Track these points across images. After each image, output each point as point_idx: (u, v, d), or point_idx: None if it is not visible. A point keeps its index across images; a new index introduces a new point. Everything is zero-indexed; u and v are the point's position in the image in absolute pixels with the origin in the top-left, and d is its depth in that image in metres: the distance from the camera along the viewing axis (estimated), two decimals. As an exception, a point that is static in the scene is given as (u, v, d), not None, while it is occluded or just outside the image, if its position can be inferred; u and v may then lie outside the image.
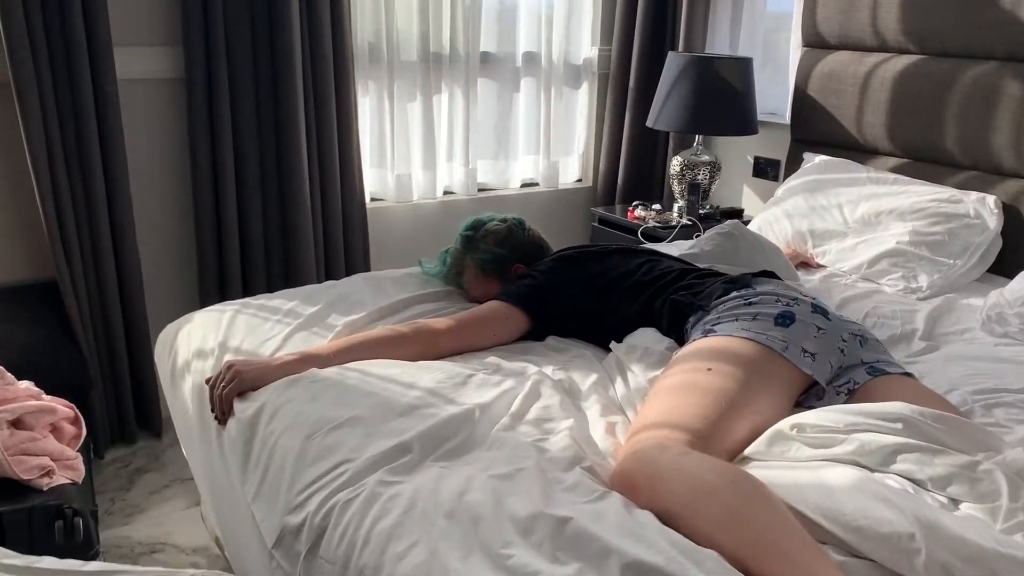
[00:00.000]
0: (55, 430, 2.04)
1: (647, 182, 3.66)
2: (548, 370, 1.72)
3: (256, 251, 2.87)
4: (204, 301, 2.85)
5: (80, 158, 2.51)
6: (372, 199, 3.23)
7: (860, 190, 2.67)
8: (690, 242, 2.40)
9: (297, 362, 1.69)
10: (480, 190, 3.47)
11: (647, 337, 1.77)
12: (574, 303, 1.91)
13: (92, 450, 2.61)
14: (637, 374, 1.67)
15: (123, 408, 2.75)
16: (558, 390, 1.63)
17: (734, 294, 1.70)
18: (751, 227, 2.88)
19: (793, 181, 2.87)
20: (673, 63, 3.09)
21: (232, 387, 1.64)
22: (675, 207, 3.27)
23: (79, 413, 2.09)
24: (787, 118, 3.25)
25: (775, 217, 2.80)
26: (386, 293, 2.12)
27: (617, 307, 1.88)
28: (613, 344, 1.83)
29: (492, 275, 2.09)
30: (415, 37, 3.14)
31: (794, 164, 3.10)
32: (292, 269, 2.93)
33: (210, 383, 1.69)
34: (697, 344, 1.59)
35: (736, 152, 3.45)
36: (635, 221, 3.19)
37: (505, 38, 3.40)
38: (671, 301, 1.77)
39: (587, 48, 3.61)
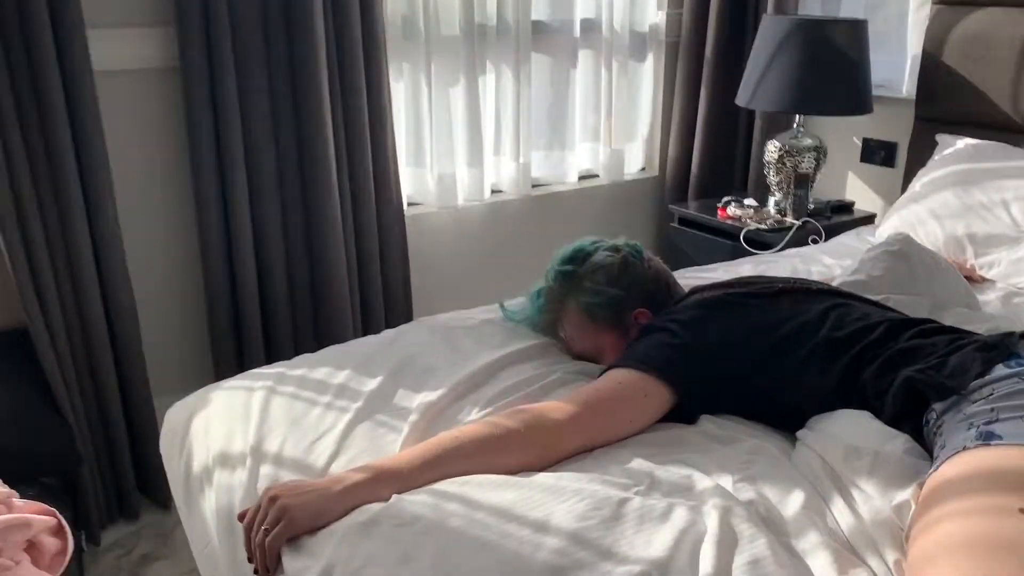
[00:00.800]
0: (31, 547, 1.52)
1: (727, 171, 3.11)
2: (727, 482, 1.20)
3: (277, 266, 2.33)
4: (215, 336, 2.32)
5: (51, 171, 1.96)
6: (409, 203, 2.69)
7: (1031, 182, 2.13)
8: (847, 264, 1.85)
9: (368, 483, 1.17)
10: (533, 186, 2.92)
11: (864, 429, 1.24)
12: (735, 369, 1.39)
13: (84, 539, 2.09)
14: (871, 495, 1.15)
15: (122, 479, 2.22)
16: (758, 524, 1.10)
17: (1005, 372, 1.17)
18: (884, 230, 2.34)
19: (936, 172, 2.33)
20: (771, 28, 2.53)
21: (280, 532, 1.11)
22: (771, 202, 2.73)
23: (63, 521, 1.57)
24: (903, 91, 2.70)
25: (918, 218, 2.26)
26: (462, 351, 1.59)
27: (801, 376, 1.35)
28: (806, 436, 1.30)
29: (604, 324, 1.57)
30: (456, 5, 2.58)
31: (921, 148, 2.56)
32: (321, 291, 2.39)
33: (245, 521, 1.16)
34: (982, 459, 1.06)
35: (838, 133, 2.91)
36: (729, 222, 2.65)
37: (560, 3, 2.84)
38: (906, 379, 1.24)
39: (654, 12, 3.05)
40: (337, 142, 2.34)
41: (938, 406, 1.20)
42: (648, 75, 3.12)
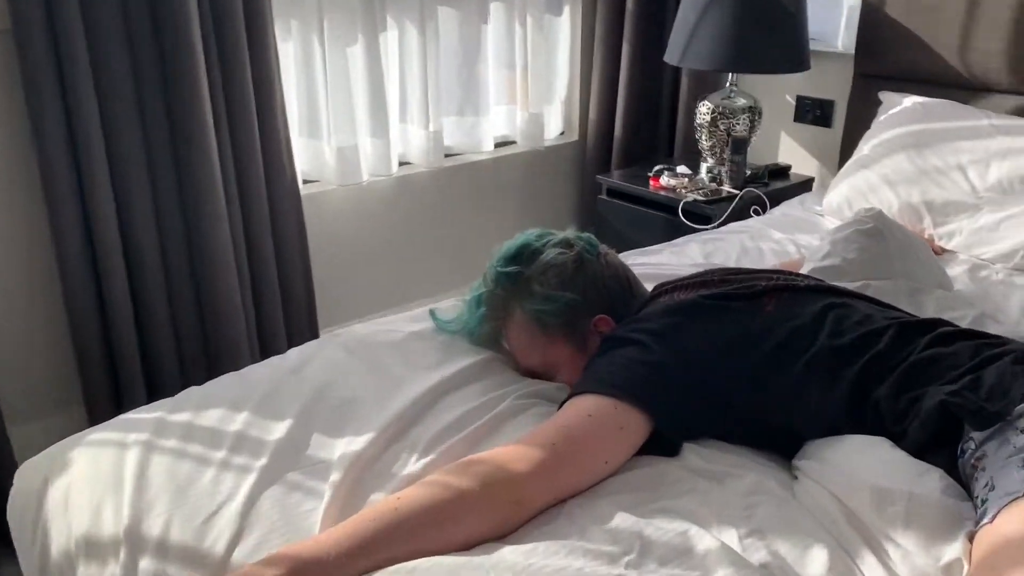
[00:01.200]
0: None
1: (652, 135, 2.89)
2: (732, 538, 0.98)
3: (151, 269, 1.98)
4: (82, 355, 1.96)
5: None
6: (305, 181, 2.36)
7: (987, 144, 1.99)
8: (804, 241, 1.64)
9: (283, 584, 0.90)
10: (446, 156, 2.63)
11: (888, 463, 1.03)
12: (719, 387, 1.16)
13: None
14: (910, 551, 0.94)
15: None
16: (783, 600, 0.89)
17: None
18: (832, 198, 2.17)
19: (885, 133, 2.16)
20: (702, -23, 2.30)
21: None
22: (703, 168, 2.52)
23: None
24: (839, 45, 2.53)
25: (870, 184, 2.10)
26: (389, 376, 1.31)
27: (798, 393, 1.14)
28: (810, 468, 1.09)
29: (558, 334, 1.32)
30: (350, -48, 2.24)
31: (861, 107, 2.39)
32: (206, 295, 2.05)
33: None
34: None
35: (769, 91, 2.72)
36: (663, 193, 2.43)
37: (467, -50, 2.53)
38: (940, 403, 1.03)
39: (569, -40, 2.77)
40: (216, 114, 1.99)
41: (977, 435, 1.00)
42: (565, 30, 2.85)
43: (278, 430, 1.18)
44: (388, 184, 2.50)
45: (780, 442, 1.19)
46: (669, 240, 2.06)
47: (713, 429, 1.19)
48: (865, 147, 2.18)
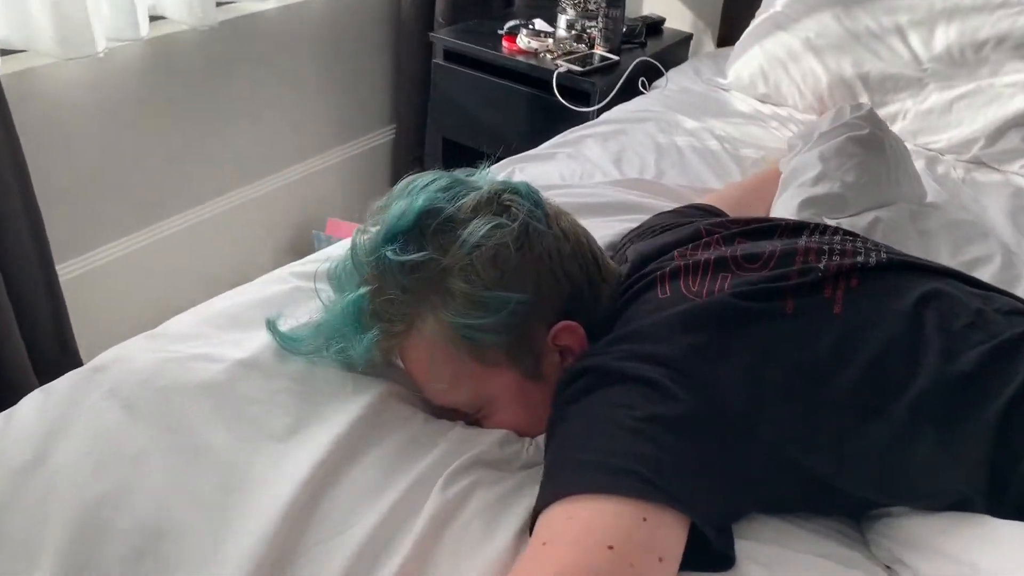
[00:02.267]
0: None
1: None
2: None
3: None
4: None
5: None
6: (4, 52, 1.57)
7: (930, 1, 1.61)
8: (801, 161, 1.18)
9: None
10: (218, 4, 1.87)
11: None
12: (773, 452, 0.72)
13: None
14: None
15: None
16: None
17: None
18: (742, 68, 1.73)
19: (804, -15, 1.72)
20: None
21: None
22: (561, 22, 1.97)
23: None
24: None
25: (789, 52, 1.67)
26: (218, 463, 0.74)
27: (899, 451, 0.73)
28: (936, 570, 0.70)
29: (498, 357, 0.80)
30: None
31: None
32: None
33: None
34: None
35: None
36: (522, 58, 1.87)
37: None
38: None
39: None
40: None
41: None
42: None
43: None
44: (135, 52, 1.74)
45: (848, 510, 0.79)
46: (540, 127, 1.56)
47: (751, 507, 0.76)
48: (777, 2, 1.73)
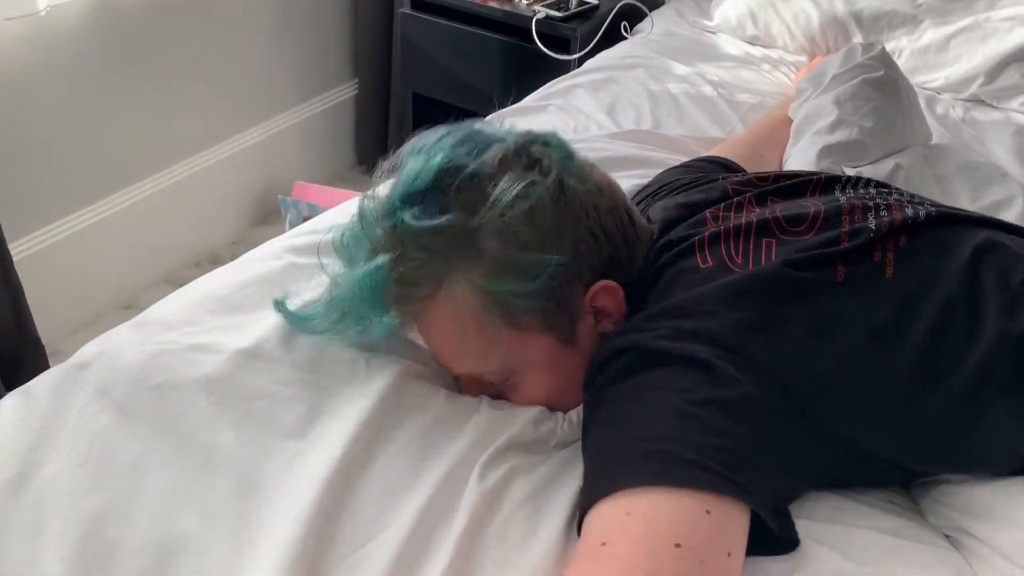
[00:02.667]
0: None
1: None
2: None
3: None
4: None
5: None
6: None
7: (921, -69, 1.55)
8: (815, 106, 1.12)
9: None
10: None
11: None
12: (832, 429, 0.67)
13: None
14: None
15: None
16: None
17: None
18: (726, 10, 1.66)
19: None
20: None
21: None
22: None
23: None
24: None
25: (780, -11, 1.60)
26: (230, 469, 0.68)
27: (967, 421, 0.68)
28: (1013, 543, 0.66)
29: (532, 323, 0.73)
30: None
31: None
32: None
33: None
34: None
35: None
36: (496, 4, 1.77)
37: None
38: None
39: None
40: None
41: None
42: None
43: None
44: (79, 11, 1.60)
45: (903, 480, 0.75)
46: (519, 79, 1.48)
47: (808, 486, 0.71)
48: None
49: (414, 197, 0.71)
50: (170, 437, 0.69)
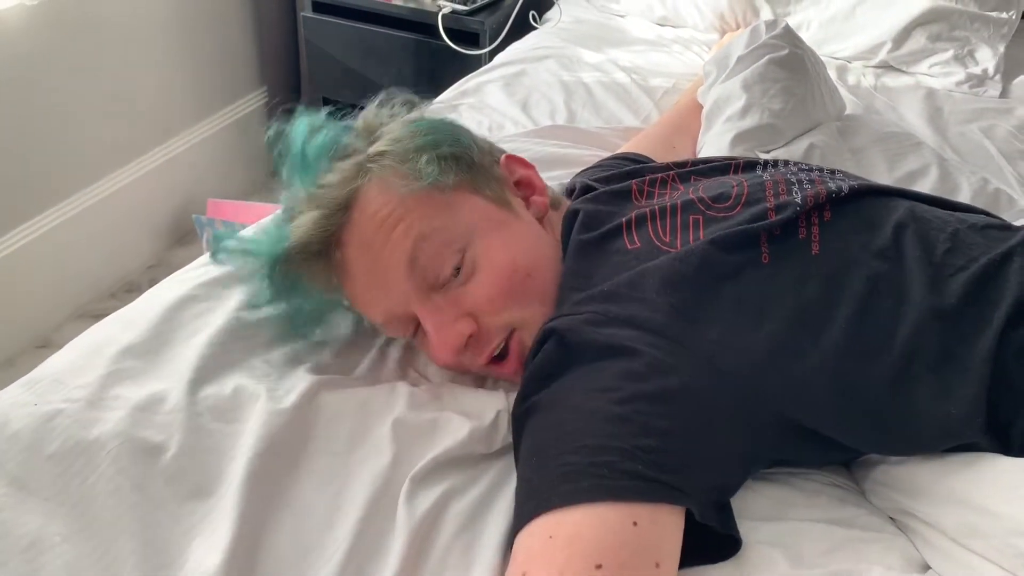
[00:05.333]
0: None
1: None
2: None
3: None
4: None
5: None
6: None
7: None
8: (722, 91, 1.10)
9: None
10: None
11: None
12: (768, 412, 0.65)
13: None
14: None
15: None
16: None
17: None
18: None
19: None
20: None
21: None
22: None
23: None
24: None
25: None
26: (119, 526, 0.63)
27: (898, 398, 0.67)
28: (945, 517, 0.66)
29: (460, 179, 0.75)
30: None
31: None
32: None
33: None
34: None
35: None
36: (401, 2, 1.71)
37: None
38: None
39: None
40: None
41: None
42: None
43: None
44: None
45: (843, 459, 0.74)
46: (430, 76, 1.44)
47: (747, 474, 0.70)
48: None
49: (312, 165, 0.75)
50: (69, 511, 0.63)
